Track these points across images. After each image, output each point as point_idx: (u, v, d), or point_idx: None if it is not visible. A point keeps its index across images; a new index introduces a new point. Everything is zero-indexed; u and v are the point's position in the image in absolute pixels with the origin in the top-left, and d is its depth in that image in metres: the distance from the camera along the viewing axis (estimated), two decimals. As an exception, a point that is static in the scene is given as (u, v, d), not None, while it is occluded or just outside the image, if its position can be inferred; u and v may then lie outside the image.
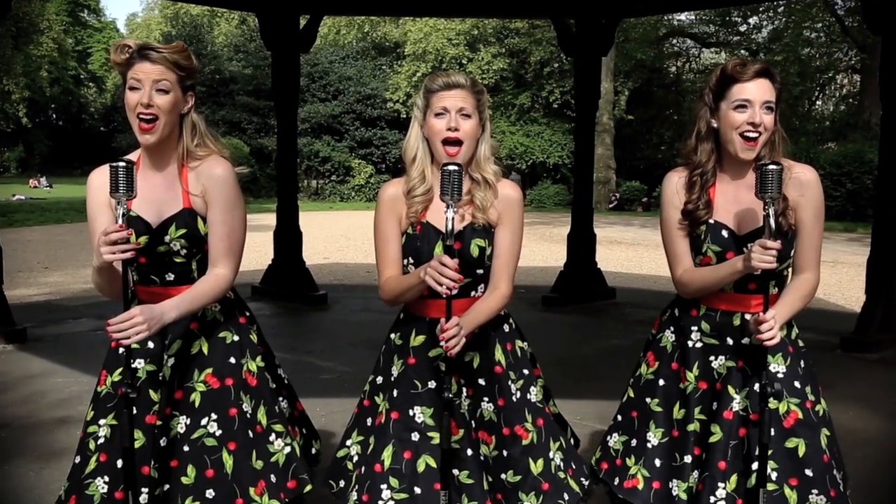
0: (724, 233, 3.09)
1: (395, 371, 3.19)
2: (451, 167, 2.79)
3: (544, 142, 35.66)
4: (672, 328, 3.27)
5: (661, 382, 3.23)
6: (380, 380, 3.22)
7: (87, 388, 3.17)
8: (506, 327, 3.26)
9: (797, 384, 3.09)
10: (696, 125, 3.14)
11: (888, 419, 6.46)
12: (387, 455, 3.04)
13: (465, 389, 3.15)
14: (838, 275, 15.16)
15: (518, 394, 3.19)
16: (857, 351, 8.48)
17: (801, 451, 3.01)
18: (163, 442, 3.01)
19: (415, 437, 3.06)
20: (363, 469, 3.10)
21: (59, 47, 48.61)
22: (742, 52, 38.72)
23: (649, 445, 3.18)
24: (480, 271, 3.14)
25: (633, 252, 18.93)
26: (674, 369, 3.22)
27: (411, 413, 3.09)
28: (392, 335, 3.25)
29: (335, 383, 7.15)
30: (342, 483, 3.18)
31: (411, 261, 3.12)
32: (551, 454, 3.18)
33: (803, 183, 3.06)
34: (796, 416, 3.04)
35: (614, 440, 3.33)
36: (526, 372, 3.25)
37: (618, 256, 17.61)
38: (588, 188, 12.17)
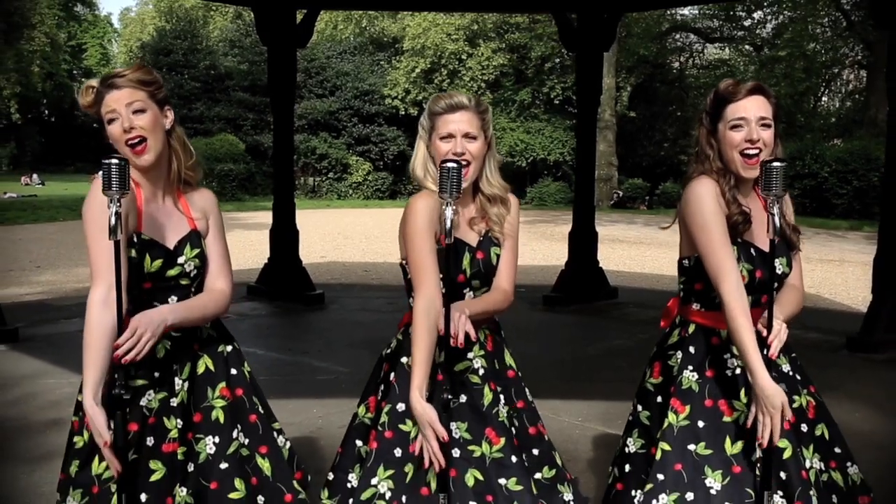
0: (752, 250, 3.12)
1: None
2: (450, 164, 2.79)
3: (545, 138, 35.64)
4: (691, 367, 3.18)
5: (701, 424, 3.11)
6: (401, 407, 3.09)
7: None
8: (503, 334, 3.35)
9: (798, 376, 3.23)
10: (701, 149, 3.18)
11: (896, 421, 6.45)
12: (432, 476, 3.00)
13: (502, 398, 3.17)
14: (844, 274, 15.15)
15: (529, 395, 3.31)
16: (863, 351, 8.45)
17: (827, 435, 3.20)
18: (190, 468, 3.00)
19: (456, 453, 3.04)
20: (404, 499, 3.03)
21: (51, 42, 48.55)
22: (746, 47, 38.82)
23: (713, 492, 3.04)
24: (494, 278, 3.24)
25: (635, 251, 18.93)
26: (708, 407, 3.13)
27: (448, 430, 3.02)
28: (405, 359, 3.14)
29: (332, 384, 7.14)
30: None
31: (440, 275, 3.07)
32: (556, 449, 3.34)
33: (785, 200, 3.16)
34: (813, 405, 3.20)
35: (664, 502, 3.07)
36: (521, 374, 3.34)
37: (620, 255, 17.61)
38: (590, 185, 12.14)
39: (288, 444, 3.30)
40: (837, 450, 3.20)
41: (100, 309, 2.81)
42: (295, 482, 3.16)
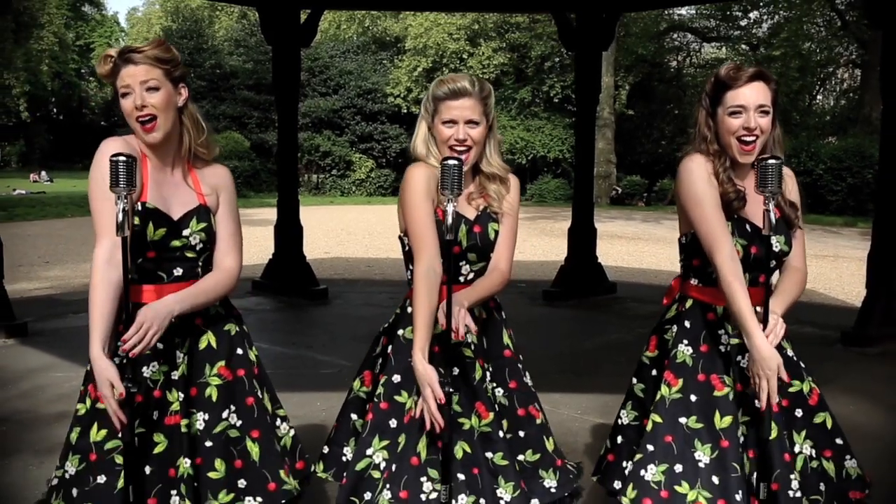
0: (748, 227, 3.12)
1: None
2: (451, 162, 2.80)
3: (545, 136, 35.62)
4: (686, 341, 3.17)
5: (693, 398, 3.10)
6: (397, 378, 3.12)
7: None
8: (503, 314, 3.34)
9: (802, 364, 3.23)
10: (699, 130, 3.18)
11: (891, 413, 6.45)
12: (422, 447, 3.00)
13: (488, 374, 3.17)
14: (839, 269, 15.14)
15: (526, 377, 3.30)
16: (857, 345, 8.47)
17: (829, 424, 3.18)
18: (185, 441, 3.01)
19: None
20: (394, 467, 3.03)
21: (59, 41, 48.50)
22: (742, 46, 38.76)
23: (702, 465, 3.04)
24: (492, 254, 3.23)
25: (633, 246, 18.92)
26: (701, 381, 3.12)
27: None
28: (401, 331, 3.17)
29: (335, 377, 7.13)
30: (368, 495, 3.07)
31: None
32: (552, 435, 3.32)
33: (785, 179, 3.10)
34: (817, 393, 3.19)
35: (652, 473, 3.06)
36: (521, 357, 3.33)
37: (618, 251, 17.60)
38: (589, 182, 12.16)
39: (291, 433, 3.28)
40: (839, 441, 3.18)
41: (105, 267, 2.83)
42: (282, 472, 3.11)
